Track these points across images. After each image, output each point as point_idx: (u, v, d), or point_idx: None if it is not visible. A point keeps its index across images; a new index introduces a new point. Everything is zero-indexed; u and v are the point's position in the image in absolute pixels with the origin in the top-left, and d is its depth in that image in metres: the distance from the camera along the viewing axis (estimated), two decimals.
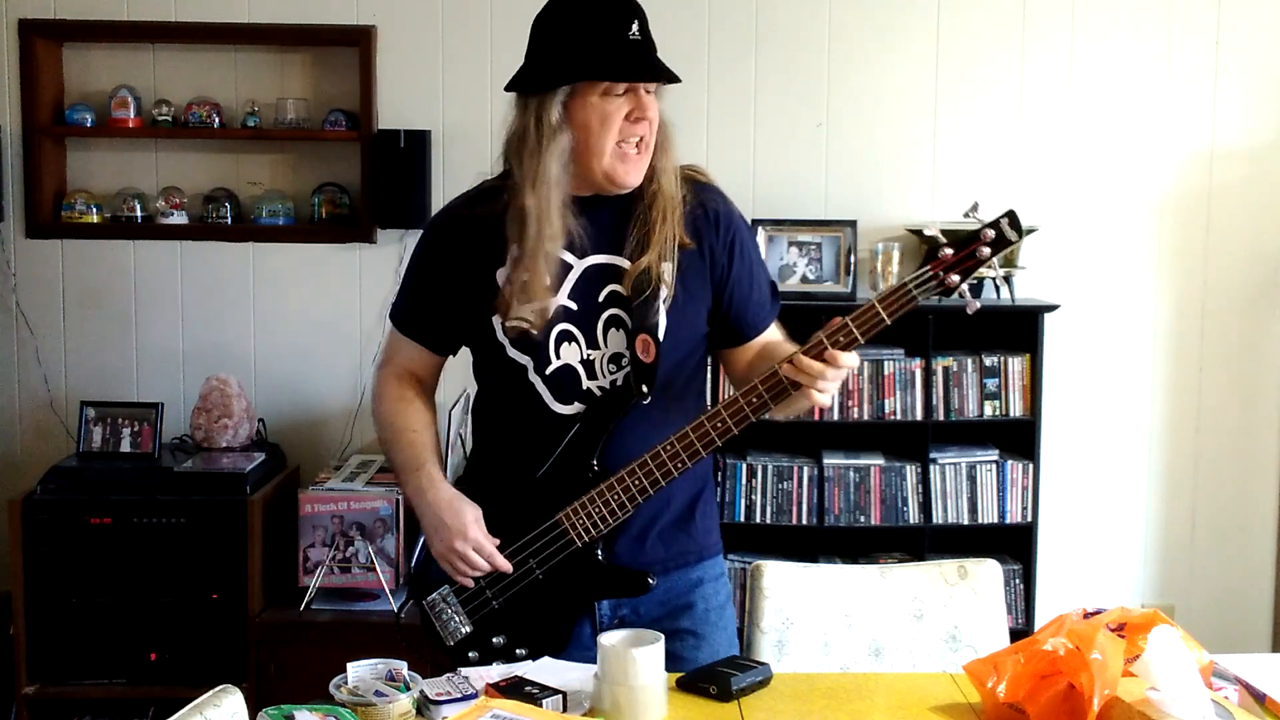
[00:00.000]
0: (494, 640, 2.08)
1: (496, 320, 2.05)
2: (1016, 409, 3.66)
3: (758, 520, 3.66)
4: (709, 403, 2.18)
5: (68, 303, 3.91)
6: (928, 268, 1.89)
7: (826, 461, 3.65)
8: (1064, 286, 3.86)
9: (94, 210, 3.86)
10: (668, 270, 2.04)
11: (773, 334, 2.17)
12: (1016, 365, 3.65)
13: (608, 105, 1.98)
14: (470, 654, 2.08)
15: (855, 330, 1.89)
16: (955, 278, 1.88)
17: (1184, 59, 3.87)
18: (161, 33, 3.84)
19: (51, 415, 3.90)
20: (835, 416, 3.64)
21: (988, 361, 3.64)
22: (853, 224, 3.78)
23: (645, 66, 2.00)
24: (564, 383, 2.05)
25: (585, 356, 2.05)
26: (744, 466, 3.65)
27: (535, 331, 2.03)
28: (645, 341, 2.02)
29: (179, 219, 3.86)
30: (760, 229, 3.75)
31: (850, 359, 1.90)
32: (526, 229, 2.00)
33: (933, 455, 3.65)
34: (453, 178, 3.79)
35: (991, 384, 3.65)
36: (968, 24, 3.86)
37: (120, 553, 3.42)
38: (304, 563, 3.49)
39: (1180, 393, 3.96)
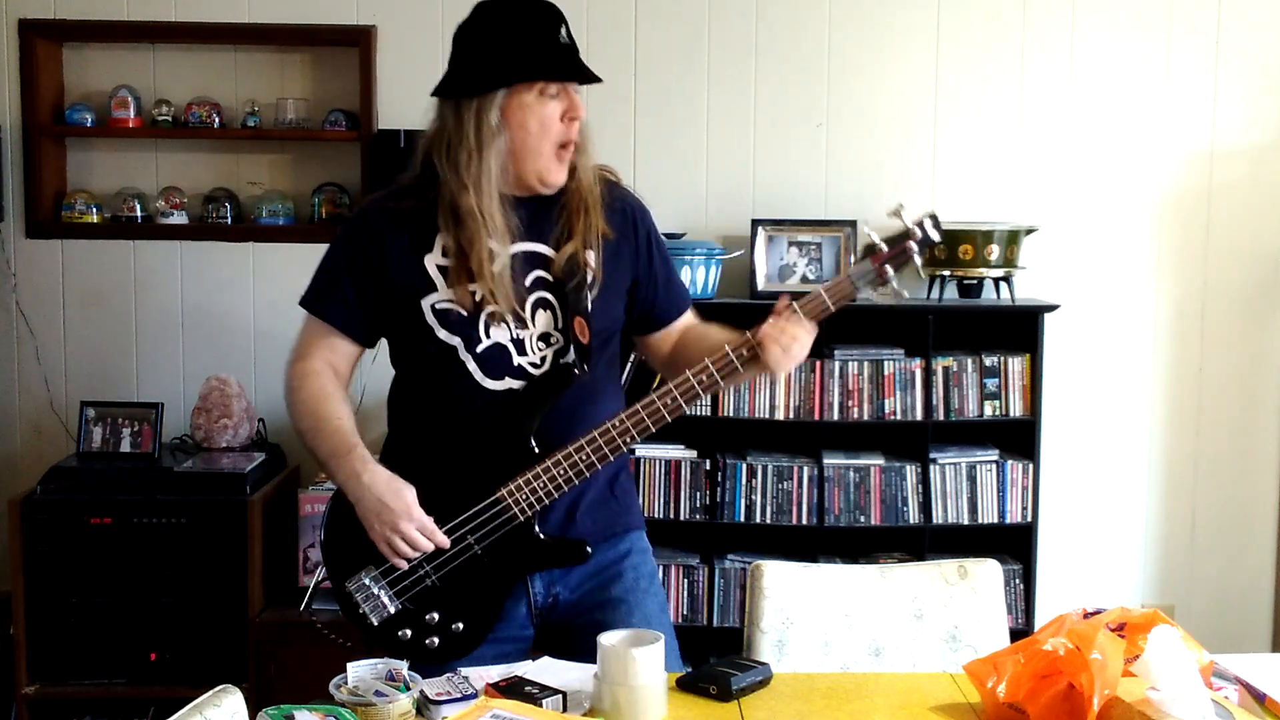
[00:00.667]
0: (427, 617, 2.10)
1: (425, 303, 2.11)
2: (1016, 409, 3.65)
3: (758, 520, 3.66)
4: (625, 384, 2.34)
5: (68, 303, 3.91)
6: (867, 261, 2.11)
7: (826, 461, 3.65)
8: (1064, 286, 3.86)
9: (94, 210, 3.86)
10: (592, 257, 2.14)
11: (691, 318, 2.32)
12: (1016, 365, 3.65)
13: (544, 107, 2.08)
14: (400, 633, 2.10)
15: (801, 314, 2.09)
16: (889, 270, 2.11)
17: (1184, 59, 3.87)
18: (161, 33, 3.84)
19: (51, 415, 3.90)
20: (835, 416, 3.63)
21: (988, 361, 3.64)
22: (853, 224, 3.77)
23: (579, 67, 2.10)
24: (495, 360, 2.11)
25: (515, 335, 2.12)
26: (744, 466, 3.65)
27: (467, 310, 2.09)
28: (581, 323, 2.11)
29: (179, 219, 3.86)
30: (760, 229, 3.74)
31: (810, 332, 2.10)
32: (466, 227, 2.07)
33: (933, 455, 3.65)
34: None
35: (991, 384, 3.64)
36: (968, 24, 3.86)
37: (120, 553, 3.42)
38: (304, 563, 3.49)
39: (1180, 393, 3.96)
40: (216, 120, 3.84)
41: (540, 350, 2.13)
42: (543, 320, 2.13)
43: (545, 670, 1.95)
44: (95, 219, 3.86)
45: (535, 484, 2.07)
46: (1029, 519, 3.67)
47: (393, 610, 2.10)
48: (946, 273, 3.64)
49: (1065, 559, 3.93)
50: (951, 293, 3.75)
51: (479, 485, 2.08)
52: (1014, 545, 3.71)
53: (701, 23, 3.86)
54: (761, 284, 3.72)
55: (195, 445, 3.74)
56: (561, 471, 2.06)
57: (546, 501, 2.08)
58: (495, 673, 1.92)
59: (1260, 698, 1.90)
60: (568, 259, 2.12)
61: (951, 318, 3.71)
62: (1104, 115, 3.88)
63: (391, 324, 2.19)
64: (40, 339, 3.89)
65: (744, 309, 3.63)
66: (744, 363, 2.07)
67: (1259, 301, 3.94)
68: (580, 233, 2.13)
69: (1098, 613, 1.86)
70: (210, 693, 1.67)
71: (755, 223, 3.75)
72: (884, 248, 2.10)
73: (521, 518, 2.08)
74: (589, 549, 2.12)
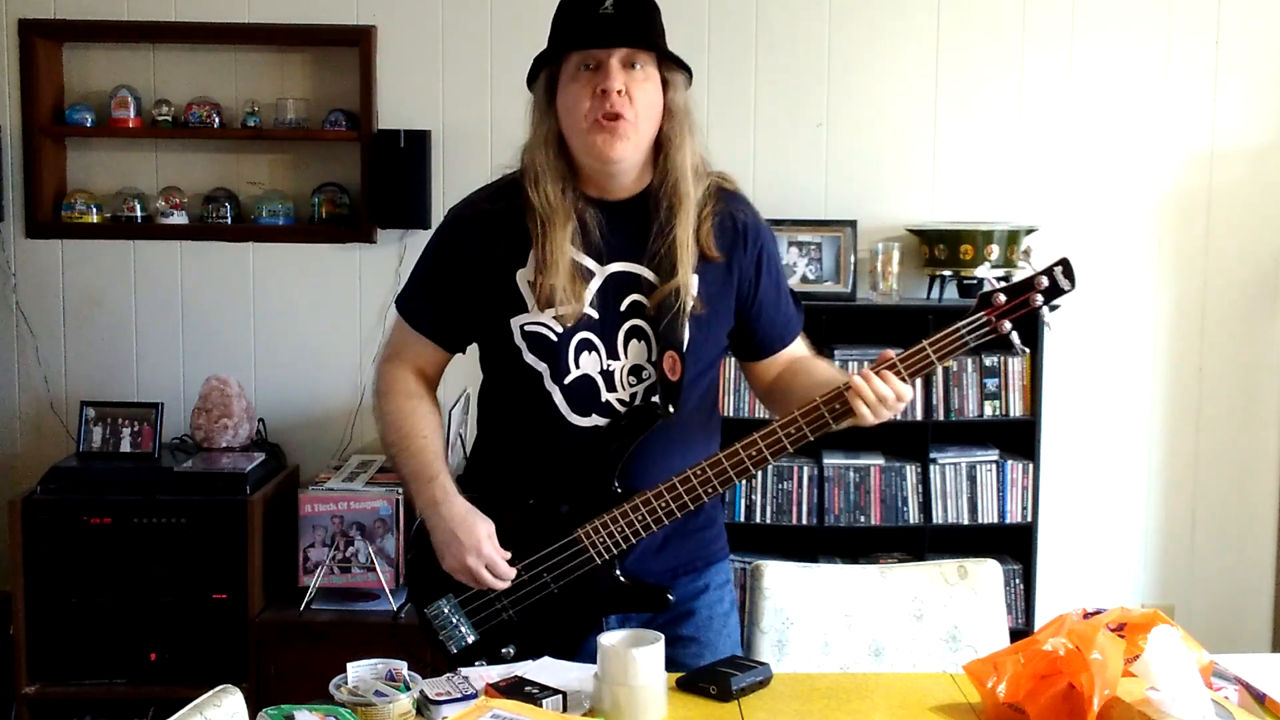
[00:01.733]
0: (503, 650, 2.06)
1: (515, 323, 2.01)
2: (1016, 409, 3.65)
3: (758, 520, 3.66)
4: (722, 412, 2.18)
5: (68, 303, 3.91)
6: (982, 314, 1.91)
7: (826, 461, 3.65)
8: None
9: (94, 210, 3.86)
10: (693, 283, 2.00)
11: (799, 348, 2.17)
12: (1016, 365, 3.65)
13: (576, 84, 1.95)
14: (477, 662, 2.05)
15: (903, 369, 1.91)
16: (1007, 324, 1.90)
17: (1184, 59, 3.87)
18: (161, 33, 3.84)
19: (51, 415, 3.90)
20: None
21: (988, 361, 3.64)
22: (853, 224, 3.78)
23: (596, 33, 1.93)
24: (582, 394, 2.01)
25: (605, 367, 2.01)
26: None
27: (557, 335, 2.00)
28: (672, 359, 1.99)
29: (179, 219, 3.86)
30: None
31: (909, 390, 1.91)
32: (537, 226, 1.97)
33: (933, 455, 3.65)
34: (453, 178, 3.79)
35: (991, 384, 3.64)
36: (968, 24, 3.86)
37: (120, 553, 3.42)
38: (304, 563, 3.49)
39: (1180, 392, 3.96)
40: (216, 120, 3.83)
41: (630, 386, 2.01)
42: (635, 351, 2.01)
43: (545, 670, 1.95)
44: (95, 219, 3.86)
45: (614, 527, 1.97)
46: (1029, 519, 3.67)
47: (470, 640, 2.06)
48: (947, 272, 3.64)
49: (1065, 559, 3.93)
50: (951, 293, 3.75)
51: (558, 523, 2.01)
52: (1014, 545, 3.71)
53: (701, 23, 3.86)
54: None
55: (195, 445, 3.74)
56: (640, 517, 1.97)
57: (625, 546, 1.99)
58: (495, 673, 1.92)
59: (1260, 698, 1.90)
60: (666, 285, 1.97)
61: (951, 318, 3.68)
62: (1104, 115, 3.88)
63: (481, 335, 2.10)
64: (40, 339, 3.89)
65: None
66: (836, 417, 1.91)
67: (1259, 301, 3.94)
68: (682, 255, 1.96)
69: (1098, 613, 1.86)
70: (210, 693, 1.66)
71: None
72: (1003, 298, 1.89)
73: (599, 560, 2.00)
74: (669, 597, 2.03)
